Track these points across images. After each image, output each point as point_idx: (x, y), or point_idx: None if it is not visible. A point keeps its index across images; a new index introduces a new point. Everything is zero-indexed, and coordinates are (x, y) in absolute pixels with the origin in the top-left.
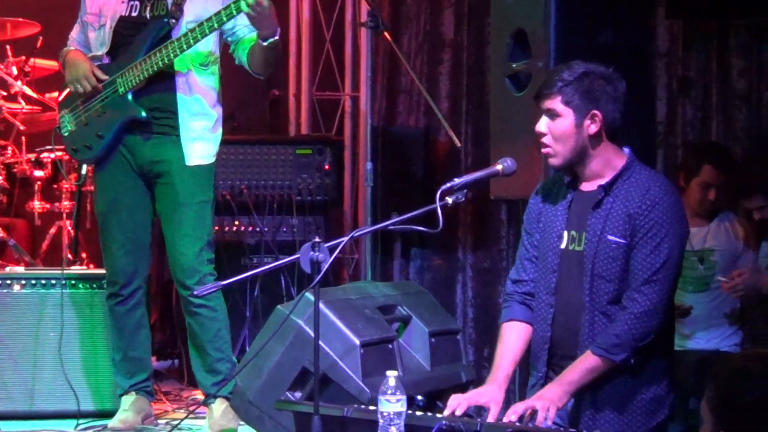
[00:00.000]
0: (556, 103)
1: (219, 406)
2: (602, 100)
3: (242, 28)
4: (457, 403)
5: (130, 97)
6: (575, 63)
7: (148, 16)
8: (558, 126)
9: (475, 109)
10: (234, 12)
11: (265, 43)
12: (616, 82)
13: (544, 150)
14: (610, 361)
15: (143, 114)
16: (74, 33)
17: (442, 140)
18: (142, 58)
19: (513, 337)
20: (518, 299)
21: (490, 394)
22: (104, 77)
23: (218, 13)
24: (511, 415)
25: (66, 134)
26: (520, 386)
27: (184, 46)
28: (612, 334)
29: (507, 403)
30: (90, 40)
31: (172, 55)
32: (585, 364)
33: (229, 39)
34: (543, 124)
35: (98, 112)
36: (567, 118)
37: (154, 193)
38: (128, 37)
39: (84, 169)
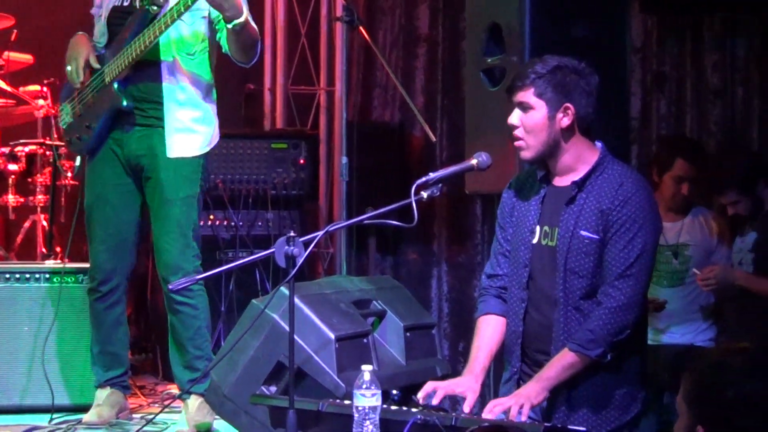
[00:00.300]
0: (528, 96)
1: (194, 401)
2: (575, 94)
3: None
4: (431, 388)
5: (116, 86)
6: (548, 57)
7: (137, 5)
8: (530, 118)
9: (450, 104)
10: (189, 1)
11: (229, 26)
12: (589, 76)
13: (516, 143)
14: (586, 357)
15: (125, 103)
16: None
17: (418, 135)
18: (126, 46)
19: (489, 331)
20: (494, 293)
21: (466, 384)
22: (96, 65)
23: None
24: (486, 414)
25: (65, 126)
26: (495, 381)
27: (163, 27)
28: (587, 330)
29: (482, 396)
30: (96, 30)
31: (147, 40)
32: (562, 360)
33: (216, 26)
34: (515, 117)
35: (89, 103)
36: (539, 111)
37: (144, 188)
38: (119, 26)
39: (78, 161)
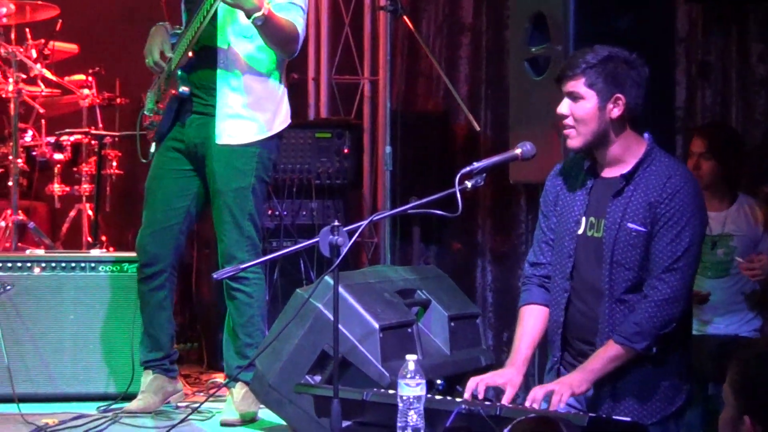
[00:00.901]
0: (579, 86)
1: (240, 389)
2: (626, 85)
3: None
4: (474, 385)
5: (180, 73)
6: (598, 46)
7: None
8: (580, 108)
9: (494, 94)
10: None
11: (249, 20)
12: (640, 67)
13: (565, 131)
14: (631, 350)
15: (182, 89)
16: None
17: (462, 124)
18: (185, 31)
19: (531, 321)
20: (536, 282)
21: (507, 375)
22: (168, 54)
23: None
24: (532, 402)
25: (149, 114)
26: (539, 369)
27: (204, 14)
28: (633, 323)
29: (526, 386)
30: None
31: (198, 25)
32: (607, 352)
33: None
34: (565, 106)
35: (163, 89)
36: (590, 101)
37: (205, 176)
38: (191, 12)
39: (153, 146)
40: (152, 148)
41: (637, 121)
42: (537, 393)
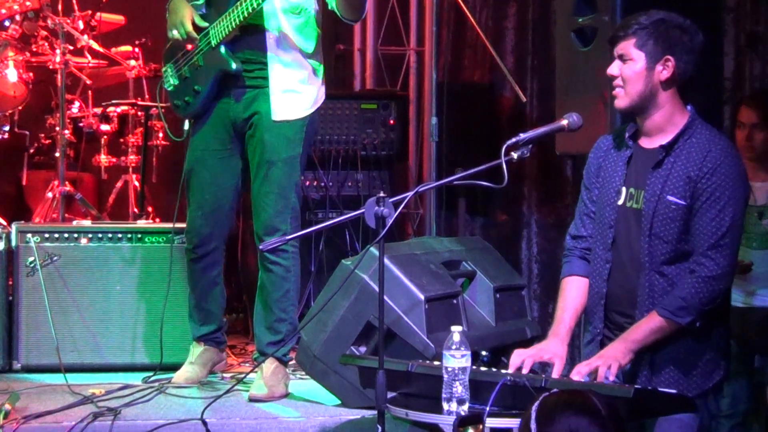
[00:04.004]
0: (629, 47)
1: (269, 365)
2: (677, 48)
3: None
4: (520, 360)
5: (222, 49)
6: (654, 10)
7: None
8: (629, 69)
9: (540, 64)
10: None
11: None
12: (693, 33)
13: (613, 91)
14: (675, 324)
15: (234, 66)
16: None
17: (508, 95)
18: (232, 7)
19: (573, 292)
20: (578, 254)
21: (552, 349)
22: (204, 24)
23: None
24: (574, 376)
25: (170, 88)
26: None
27: None
28: (679, 297)
29: (571, 359)
30: None
31: (255, 2)
32: (650, 324)
33: None
34: (615, 67)
35: (196, 65)
36: (639, 62)
37: (246, 149)
38: None
39: (187, 124)
40: (186, 125)
41: (687, 88)
42: (582, 369)
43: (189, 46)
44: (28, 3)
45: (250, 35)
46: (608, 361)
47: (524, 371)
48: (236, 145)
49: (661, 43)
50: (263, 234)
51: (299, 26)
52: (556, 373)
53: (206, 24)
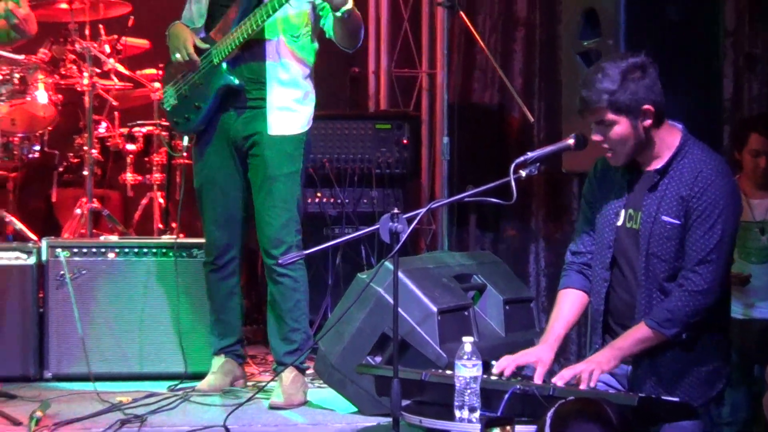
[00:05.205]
0: (606, 114)
1: (289, 374)
2: (649, 92)
3: None
4: (506, 364)
5: (224, 66)
6: (606, 65)
7: None
8: (615, 133)
9: (547, 86)
10: None
11: (338, 14)
12: (650, 67)
13: (607, 154)
14: (661, 335)
15: (236, 82)
16: (185, 10)
17: (516, 116)
18: (235, 28)
19: (567, 303)
20: (575, 269)
21: (538, 353)
22: (204, 46)
23: None
24: (558, 381)
25: (168, 108)
26: (578, 349)
27: (271, 11)
28: (665, 309)
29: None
30: (193, 12)
31: (260, 21)
32: (637, 334)
33: (320, 12)
34: (599, 133)
35: (196, 84)
36: (621, 124)
37: (248, 166)
38: (223, 8)
39: (186, 140)
40: (185, 141)
41: (664, 116)
42: (564, 373)
43: (190, 67)
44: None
45: (250, 53)
46: (591, 366)
47: (507, 373)
48: (238, 163)
49: (635, 99)
50: (270, 248)
51: (297, 48)
52: (537, 378)
53: (206, 46)
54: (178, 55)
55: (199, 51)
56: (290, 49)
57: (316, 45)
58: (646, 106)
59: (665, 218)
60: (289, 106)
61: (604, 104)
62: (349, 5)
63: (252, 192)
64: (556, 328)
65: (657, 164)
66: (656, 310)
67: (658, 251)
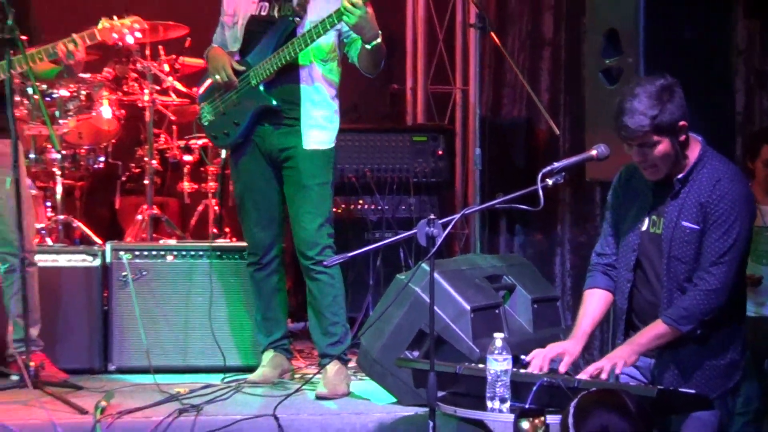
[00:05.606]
0: (649, 137)
1: (333, 366)
2: (682, 111)
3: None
4: (539, 360)
5: (261, 88)
6: (638, 91)
7: (276, 15)
8: (658, 151)
9: (571, 101)
10: (335, 20)
11: (368, 46)
12: (676, 86)
13: (647, 171)
14: (677, 331)
15: (274, 102)
16: (216, 34)
17: (543, 129)
18: (272, 53)
19: (593, 302)
20: (600, 270)
21: (566, 345)
22: (241, 68)
23: (330, 15)
24: (582, 375)
25: (206, 124)
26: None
27: (308, 41)
28: (681, 307)
29: (586, 362)
30: (226, 38)
31: (297, 49)
32: (654, 330)
33: (345, 40)
34: (641, 155)
35: (234, 103)
36: (664, 143)
37: (282, 176)
38: (258, 34)
39: (224, 153)
40: (222, 154)
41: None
42: (589, 369)
43: (228, 87)
44: (136, 25)
45: (286, 77)
46: (612, 361)
47: (544, 368)
48: (273, 172)
49: (673, 118)
50: (306, 249)
51: (326, 72)
52: (563, 367)
53: (243, 68)
54: (217, 77)
55: (236, 73)
56: (321, 73)
57: (340, 68)
58: (682, 123)
59: (685, 224)
60: (320, 124)
61: (648, 128)
62: (379, 39)
63: (286, 199)
64: (583, 325)
65: (679, 173)
66: (672, 308)
67: (678, 254)
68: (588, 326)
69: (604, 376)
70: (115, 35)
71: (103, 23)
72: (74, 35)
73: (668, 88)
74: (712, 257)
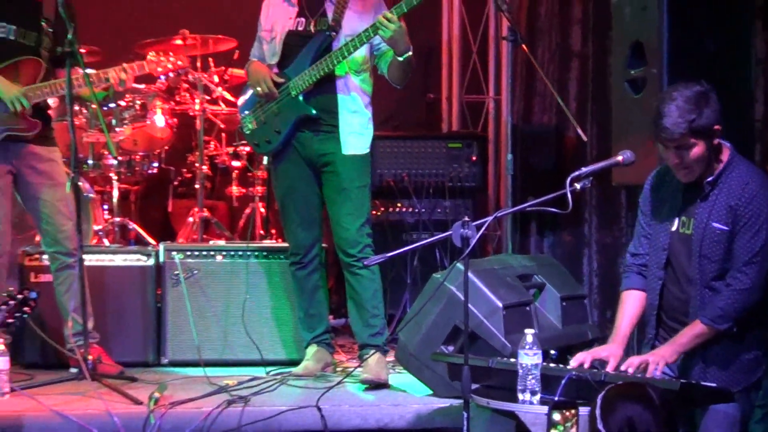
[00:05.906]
0: (686, 139)
1: (374, 356)
2: (717, 115)
3: (385, 43)
4: (582, 359)
5: (301, 98)
6: (676, 95)
7: (312, 30)
8: (694, 153)
9: (599, 110)
10: (372, 33)
11: (401, 58)
12: (711, 92)
13: (681, 172)
14: (715, 330)
15: (313, 111)
16: (254, 49)
17: (571, 136)
18: (309, 66)
19: (631, 303)
20: (635, 270)
21: (609, 349)
22: (281, 80)
23: (366, 30)
24: (628, 367)
25: (248, 132)
26: (637, 343)
27: (345, 54)
28: (717, 307)
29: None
30: (264, 52)
31: (335, 62)
32: (694, 330)
33: (375, 52)
34: (677, 157)
35: (275, 113)
36: (700, 146)
37: (321, 180)
38: (296, 47)
39: (266, 160)
40: (265, 161)
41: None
42: (633, 360)
43: (269, 98)
44: (180, 62)
45: (323, 87)
46: (657, 359)
47: (585, 366)
48: (313, 177)
49: (709, 122)
50: (348, 248)
51: (360, 82)
52: (610, 369)
53: (282, 80)
54: (258, 88)
55: (276, 84)
56: (356, 83)
57: (372, 79)
58: (716, 126)
59: (715, 224)
60: (357, 131)
61: (685, 131)
62: (410, 51)
63: (326, 201)
64: (622, 328)
65: (709, 176)
66: (709, 308)
67: (708, 253)
68: (627, 328)
69: (650, 371)
70: (159, 69)
71: (152, 57)
72: (125, 64)
73: (705, 94)
74: (745, 257)
